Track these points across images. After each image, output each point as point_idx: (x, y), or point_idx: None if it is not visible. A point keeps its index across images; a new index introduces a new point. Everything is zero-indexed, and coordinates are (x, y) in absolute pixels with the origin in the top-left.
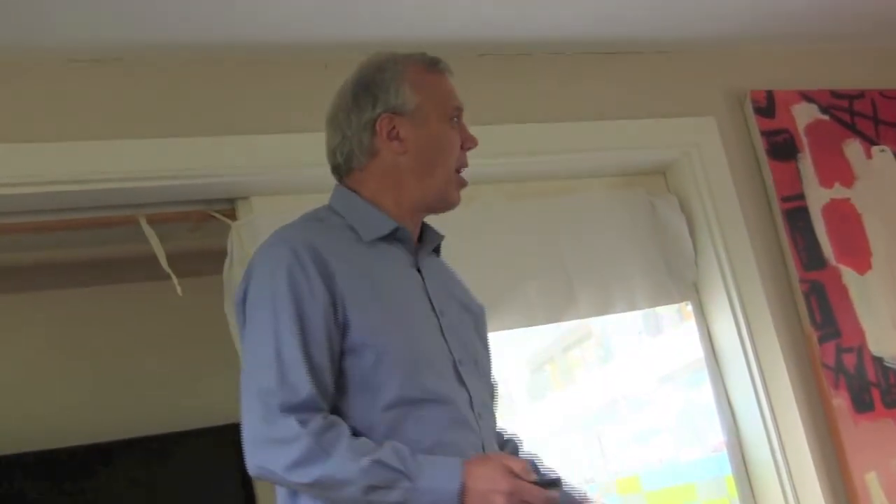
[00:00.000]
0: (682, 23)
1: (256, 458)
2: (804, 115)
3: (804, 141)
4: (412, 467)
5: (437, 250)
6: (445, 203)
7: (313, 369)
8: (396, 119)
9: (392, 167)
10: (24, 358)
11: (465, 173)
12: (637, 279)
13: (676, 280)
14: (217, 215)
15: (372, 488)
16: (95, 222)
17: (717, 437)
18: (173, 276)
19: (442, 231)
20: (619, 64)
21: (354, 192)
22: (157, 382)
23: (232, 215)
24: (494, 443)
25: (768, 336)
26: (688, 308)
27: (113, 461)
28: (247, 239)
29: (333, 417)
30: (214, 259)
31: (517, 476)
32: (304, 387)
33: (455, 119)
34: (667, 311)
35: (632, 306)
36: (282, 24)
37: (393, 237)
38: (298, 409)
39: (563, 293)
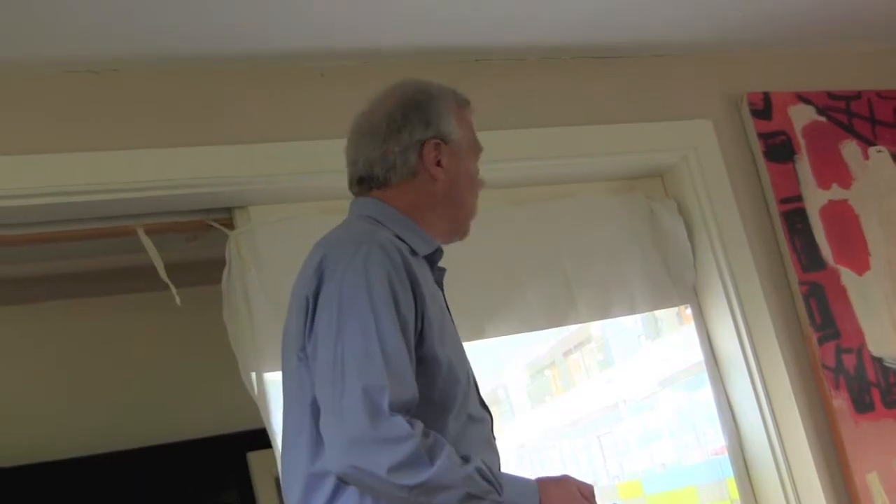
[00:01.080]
0: (678, 26)
1: (353, 458)
2: (801, 117)
3: (801, 143)
4: (501, 482)
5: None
6: (462, 234)
7: (411, 370)
8: (443, 146)
9: (425, 191)
10: (21, 369)
11: None
12: (636, 283)
13: (676, 283)
14: (215, 224)
15: (469, 496)
16: (93, 233)
17: (718, 439)
18: (172, 287)
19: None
20: (616, 68)
21: (390, 206)
22: (156, 393)
23: (230, 224)
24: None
25: (768, 338)
26: (687, 311)
27: (111, 472)
28: (245, 248)
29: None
30: (213, 268)
31: (586, 499)
32: (412, 386)
33: (477, 157)
34: (666, 315)
35: (631, 310)
36: (277, 33)
37: (430, 256)
38: (407, 407)
39: (562, 297)
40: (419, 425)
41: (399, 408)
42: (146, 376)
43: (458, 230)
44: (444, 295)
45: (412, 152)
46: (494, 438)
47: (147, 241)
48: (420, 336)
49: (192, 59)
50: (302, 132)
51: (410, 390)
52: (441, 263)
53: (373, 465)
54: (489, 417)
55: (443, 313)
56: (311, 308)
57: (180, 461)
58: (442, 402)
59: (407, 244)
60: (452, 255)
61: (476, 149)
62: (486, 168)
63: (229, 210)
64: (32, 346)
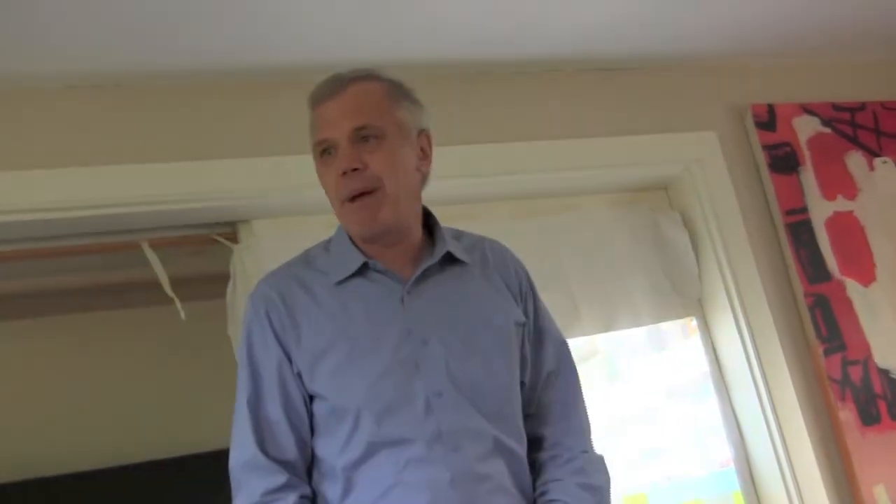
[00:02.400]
0: (682, 38)
1: None
2: (806, 128)
3: (806, 154)
4: None
5: (453, 259)
6: (362, 233)
7: (266, 425)
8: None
9: None
10: (25, 384)
11: (464, 191)
12: (641, 295)
13: (680, 296)
14: (219, 239)
15: None
16: (97, 248)
17: (723, 452)
18: (176, 301)
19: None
20: (619, 80)
21: None
22: (160, 407)
23: (234, 238)
24: (489, 473)
25: (773, 350)
26: (692, 323)
27: (114, 487)
28: (249, 262)
29: (279, 495)
30: (217, 283)
31: None
32: (247, 448)
33: (324, 154)
34: (671, 327)
35: (636, 323)
36: (280, 47)
37: (368, 269)
38: (244, 469)
39: (567, 311)
40: (247, 501)
41: (235, 470)
42: (150, 390)
43: (353, 235)
44: (428, 294)
45: None
46: (453, 449)
47: (152, 256)
48: (300, 376)
49: (196, 73)
50: (305, 146)
51: (245, 453)
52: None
53: None
54: (434, 429)
55: (363, 339)
56: None
57: (184, 476)
58: (332, 434)
59: (329, 274)
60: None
61: (314, 150)
62: (489, 181)
63: (233, 224)
64: (36, 361)
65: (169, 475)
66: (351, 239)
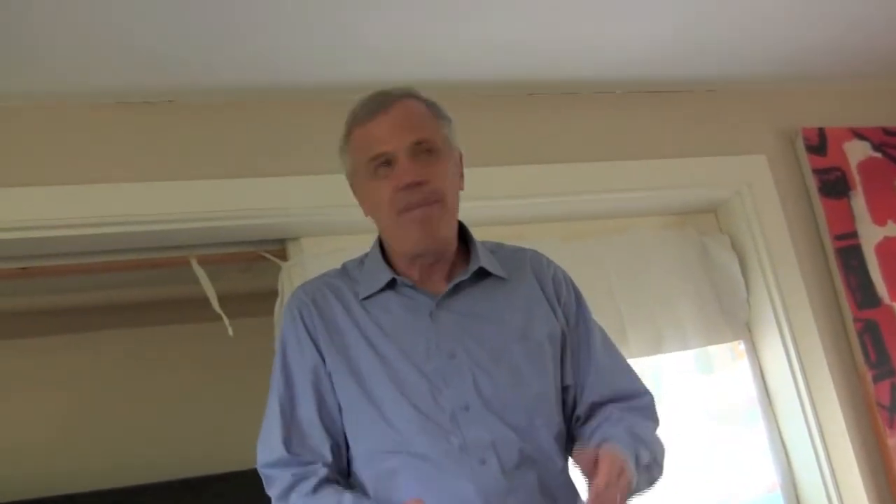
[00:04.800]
0: (733, 61)
1: None
2: (856, 153)
3: (856, 179)
4: None
5: (487, 274)
6: (416, 250)
7: (298, 425)
8: (355, 181)
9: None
10: (72, 398)
11: (514, 212)
12: (689, 318)
13: (729, 319)
14: (268, 256)
15: None
16: (147, 263)
17: (770, 477)
18: (224, 317)
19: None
20: (670, 102)
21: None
22: (208, 423)
23: (282, 256)
24: (517, 482)
25: (822, 375)
26: (740, 347)
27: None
28: (297, 279)
29: (306, 470)
30: (265, 300)
31: None
32: (276, 448)
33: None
34: (719, 351)
35: (684, 346)
36: (333, 65)
37: (397, 285)
38: (274, 466)
39: (615, 333)
40: (279, 485)
41: (264, 466)
42: (197, 406)
43: (405, 250)
44: (459, 308)
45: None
46: (480, 462)
47: (200, 272)
48: (330, 376)
49: (247, 90)
50: None
51: (274, 453)
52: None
53: None
54: (460, 442)
55: (380, 353)
56: None
57: (230, 493)
58: (355, 443)
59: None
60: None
61: (369, 166)
62: (538, 203)
63: (282, 241)
64: (84, 375)
65: (215, 492)
66: (383, 253)
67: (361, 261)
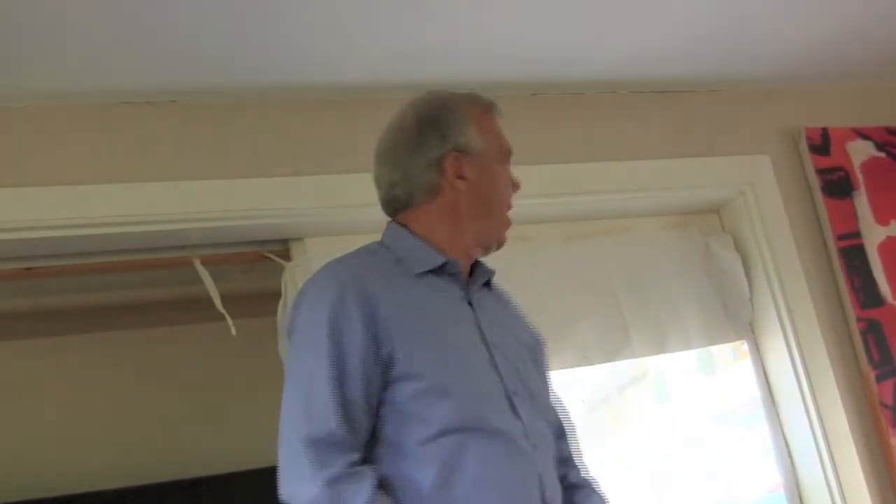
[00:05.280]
0: (736, 61)
1: (286, 488)
2: (859, 153)
3: (860, 178)
4: None
5: (488, 284)
6: (498, 243)
7: (346, 404)
8: (463, 158)
9: (451, 205)
10: (75, 399)
11: (517, 212)
12: (692, 318)
13: (732, 319)
14: (271, 256)
15: None
16: (149, 264)
17: (773, 477)
18: (228, 318)
19: (494, 268)
20: (673, 103)
21: (404, 227)
22: (210, 424)
23: (286, 256)
24: (554, 474)
25: (825, 375)
26: (743, 347)
27: (162, 503)
28: (301, 280)
29: (361, 468)
30: (268, 300)
31: None
32: (328, 422)
33: (507, 160)
34: (722, 351)
35: (687, 346)
36: (335, 64)
37: (443, 271)
38: (320, 444)
39: (617, 333)
40: (334, 469)
41: (312, 443)
42: (200, 406)
43: (492, 240)
44: (485, 306)
45: (432, 169)
46: (533, 447)
47: (203, 272)
48: (390, 360)
49: (250, 90)
50: (359, 164)
51: (325, 427)
52: (499, 290)
53: (298, 499)
54: (522, 427)
55: (451, 329)
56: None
57: (233, 492)
58: (424, 418)
59: (404, 266)
60: (507, 289)
61: (504, 153)
62: (543, 202)
63: (286, 242)
64: (87, 376)
65: (217, 492)
66: (419, 237)
67: (382, 244)
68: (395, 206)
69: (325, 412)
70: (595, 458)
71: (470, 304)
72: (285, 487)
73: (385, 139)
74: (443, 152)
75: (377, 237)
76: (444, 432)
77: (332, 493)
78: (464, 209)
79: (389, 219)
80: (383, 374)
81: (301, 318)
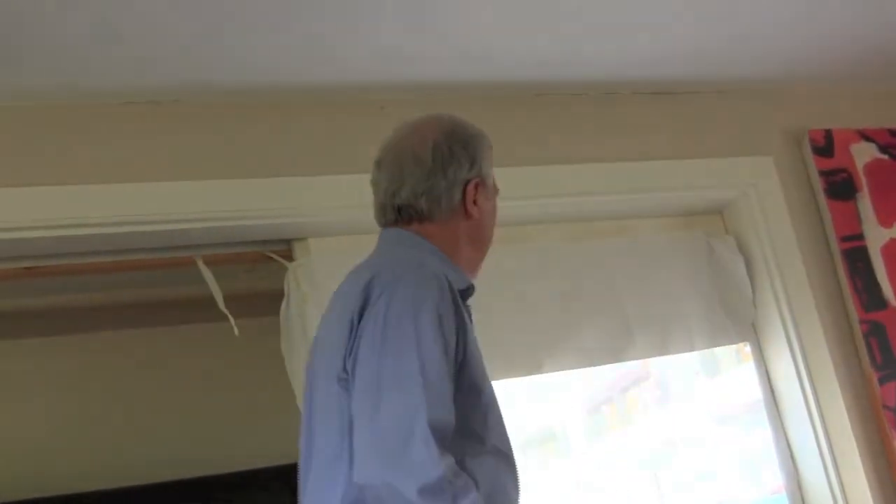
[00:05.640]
0: (739, 62)
1: (385, 475)
2: (863, 155)
3: (863, 180)
4: None
5: None
6: (475, 272)
7: (451, 399)
8: (480, 187)
9: (454, 229)
10: (78, 399)
11: (521, 212)
12: (695, 320)
13: (734, 321)
14: (274, 256)
15: None
16: (152, 264)
17: (775, 478)
18: (230, 317)
19: (496, 274)
20: (676, 104)
21: (424, 238)
22: (212, 424)
23: (289, 256)
24: None
25: (828, 377)
26: (746, 349)
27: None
28: (303, 280)
29: (467, 480)
30: (271, 300)
31: None
32: (449, 411)
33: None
34: (725, 352)
35: (689, 347)
36: (339, 65)
37: (463, 292)
38: (442, 431)
39: (620, 334)
40: (449, 460)
41: (434, 429)
42: (203, 407)
43: (476, 268)
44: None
45: (457, 190)
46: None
47: (206, 272)
48: (461, 365)
49: (252, 90)
50: (362, 165)
51: (447, 414)
52: (501, 295)
53: (402, 486)
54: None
55: (478, 347)
56: (355, 326)
57: (235, 492)
58: (480, 434)
59: (447, 275)
60: (508, 290)
61: (494, 185)
62: (545, 203)
63: (288, 242)
64: (89, 376)
65: (220, 492)
66: (445, 255)
67: (432, 255)
68: (411, 214)
69: (445, 402)
70: (597, 458)
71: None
72: (389, 474)
73: (408, 147)
74: (470, 177)
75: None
76: (491, 452)
77: (458, 481)
78: (463, 234)
79: (378, 222)
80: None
81: (400, 301)
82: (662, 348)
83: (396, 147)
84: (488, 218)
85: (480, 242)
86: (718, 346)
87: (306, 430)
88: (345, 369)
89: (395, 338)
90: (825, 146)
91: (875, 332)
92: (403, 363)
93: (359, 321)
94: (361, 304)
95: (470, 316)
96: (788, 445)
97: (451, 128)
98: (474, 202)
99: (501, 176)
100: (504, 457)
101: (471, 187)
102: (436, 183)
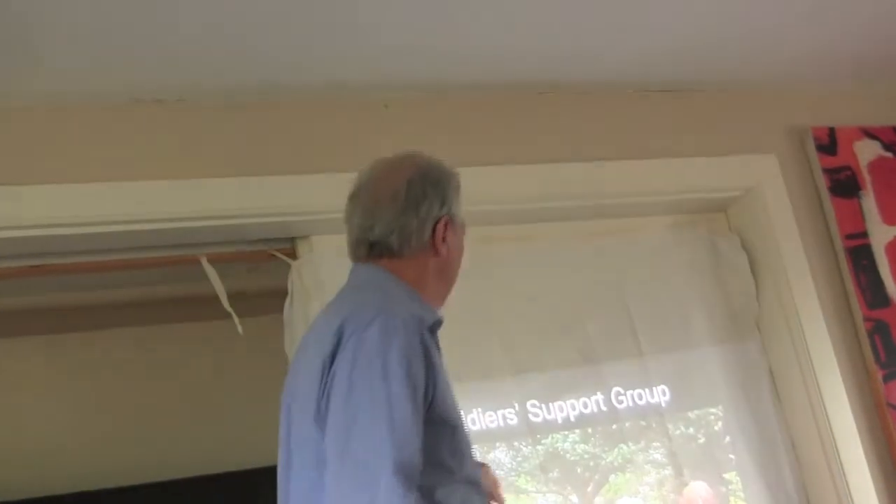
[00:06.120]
0: (743, 61)
1: None
2: (867, 152)
3: (867, 178)
4: None
5: None
6: (442, 304)
7: (418, 438)
8: (449, 225)
9: (423, 264)
10: (82, 397)
11: (526, 211)
12: (698, 317)
13: (738, 318)
14: (277, 254)
15: None
16: (156, 262)
17: (779, 477)
18: (234, 315)
19: (501, 272)
20: (680, 102)
21: (392, 274)
22: (216, 421)
23: (292, 254)
24: None
25: (832, 375)
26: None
27: (167, 501)
28: (307, 278)
29: None
30: (275, 298)
31: None
32: (415, 452)
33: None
34: None
35: (693, 344)
36: (341, 64)
37: (433, 326)
38: (407, 472)
39: (624, 332)
40: (414, 497)
41: (399, 471)
42: (206, 405)
43: (443, 300)
44: None
45: (427, 227)
46: None
47: (210, 270)
48: (431, 402)
49: (256, 89)
50: (364, 163)
51: (413, 455)
52: (506, 292)
53: None
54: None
55: (449, 384)
56: (327, 368)
57: (238, 491)
58: (450, 465)
59: (416, 314)
60: (512, 288)
61: (464, 227)
62: (550, 202)
63: (292, 240)
64: (93, 374)
65: (223, 490)
66: (417, 292)
67: (401, 289)
68: (381, 251)
69: (412, 443)
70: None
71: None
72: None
73: (382, 184)
74: (441, 215)
75: None
76: (461, 481)
77: None
78: (431, 270)
79: (351, 256)
80: (427, 413)
81: (370, 344)
82: (665, 346)
83: (371, 183)
84: (456, 254)
85: (448, 277)
86: (722, 343)
87: (284, 462)
88: (318, 410)
89: (364, 381)
90: (829, 144)
91: (879, 330)
92: (373, 406)
93: (331, 364)
94: (333, 348)
95: (438, 348)
96: (792, 443)
97: (425, 167)
98: (443, 239)
99: (506, 175)
100: (475, 485)
101: (441, 225)
102: (408, 220)
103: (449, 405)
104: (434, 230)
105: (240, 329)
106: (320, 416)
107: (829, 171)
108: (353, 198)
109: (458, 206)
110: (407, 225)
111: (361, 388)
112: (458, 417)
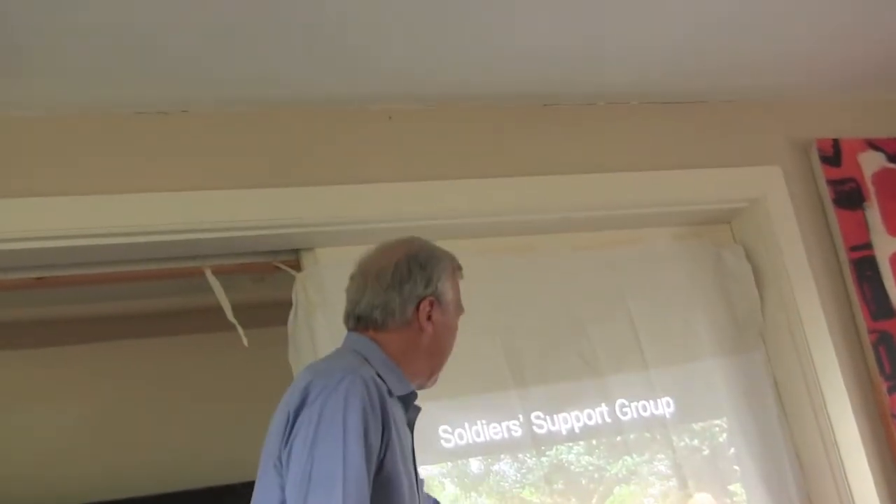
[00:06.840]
0: (748, 72)
1: None
2: (871, 164)
3: (871, 190)
4: None
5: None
6: (433, 382)
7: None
8: (435, 304)
9: (413, 340)
10: (87, 408)
11: (530, 222)
12: (703, 329)
13: (743, 329)
14: (282, 266)
15: None
16: (160, 274)
17: (784, 487)
18: (239, 327)
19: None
20: (684, 114)
21: (377, 344)
22: (221, 433)
23: (297, 266)
24: None
25: (836, 386)
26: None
27: None
28: (311, 290)
29: None
30: (279, 310)
31: None
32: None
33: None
34: None
35: (697, 356)
36: (346, 77)
37: (404, 397)
38: None
39: (628, 343)
40: None
41: None
42: (211, 417)
43: (431, 377)
44: (412, 435)
45: (410, 305)
46: None
47: (214, 282)
48: (381, 461)
49: (259, 101)
50: (369, 175)
51: None
52: (511, 303)
53: None
54: None
55: (405, 449)
56: (290, 423)
57: (244, 502)
58: None
59: (385, 384)
60: (516, 299)
61: (459, 310)
62: (553, 213)
63: (296, 252)
64: (97, 386)
65: (229, 501)
66: (393, 361)
67: (364, 358)
68: (367, 323)
69: (362, 497)
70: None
71: (409, 427)
72: None
73: (374, 264)
74: (424, 294)
75: None
76: None
77: None
78: (423, 346)
79: (345, 325)
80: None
81: (332, 403)
82: (670, 357)
83: (366, 265)
84: (443, 332)
85: (436, 354)
86: (726, 354)
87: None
88: (279, 458)
89: (324, 438)
90: (833, 155)
91: (883, 341)
92: (330, 462)
93: (294, 417)
94: (298, 404)
95: (414, 420)
96: (797, 453)
97: (416, 250)
98: (428, 317)
99: (508, 186)
100: None
101: (425, 304)
102: (391, 298)
103: (398, 467)
104: (418, 308)
105: (245, 341)
106: (279, 464)
107: (833, 183)
108: (352, 277)
109: (447, 288)
110: (390, 301)
111: (322, 446)
112: (405, 478)
